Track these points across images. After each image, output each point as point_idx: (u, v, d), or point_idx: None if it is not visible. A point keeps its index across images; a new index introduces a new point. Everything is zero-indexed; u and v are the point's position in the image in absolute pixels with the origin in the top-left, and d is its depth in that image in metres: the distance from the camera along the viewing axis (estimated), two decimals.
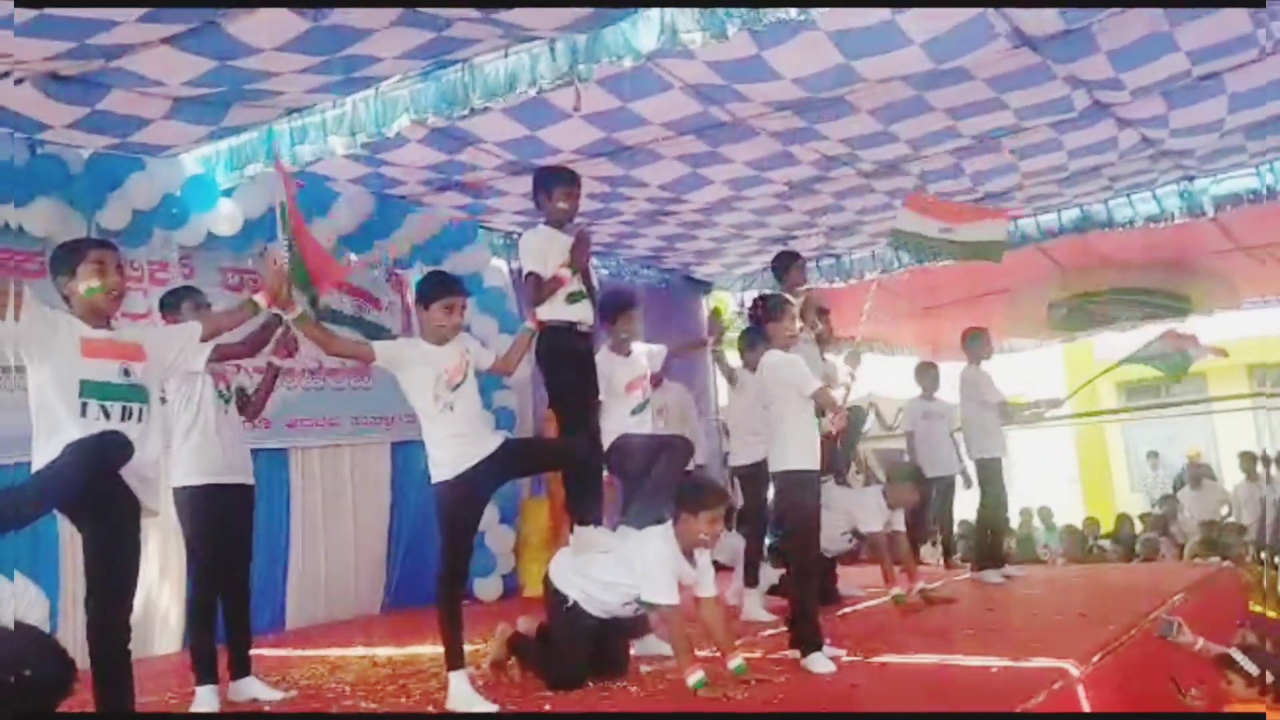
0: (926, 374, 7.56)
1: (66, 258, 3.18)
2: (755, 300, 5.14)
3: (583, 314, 4.57)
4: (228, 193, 6.02)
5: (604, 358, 4.80)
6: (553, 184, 4.60)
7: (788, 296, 5.00)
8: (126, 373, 3.13)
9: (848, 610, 5.73)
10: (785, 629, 4.56)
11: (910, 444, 7.44)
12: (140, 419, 3.11)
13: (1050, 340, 11.90)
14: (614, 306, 4.85)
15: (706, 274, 10.11)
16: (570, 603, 4.05)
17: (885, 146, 6.51)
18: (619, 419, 4.76)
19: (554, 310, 4.46)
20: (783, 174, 6.94)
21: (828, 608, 5.32)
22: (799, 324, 4.78)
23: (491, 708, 3.71)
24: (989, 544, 6.88)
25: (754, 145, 6.32)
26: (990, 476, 6.80)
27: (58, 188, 5.34)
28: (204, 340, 3.45)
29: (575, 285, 4.51)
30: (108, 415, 3.04)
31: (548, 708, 3.76)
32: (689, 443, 4.97)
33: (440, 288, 3.96)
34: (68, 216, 5.38)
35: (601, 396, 4.71)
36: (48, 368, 3.04)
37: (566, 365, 4.55)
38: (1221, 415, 13.65)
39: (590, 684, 4.00)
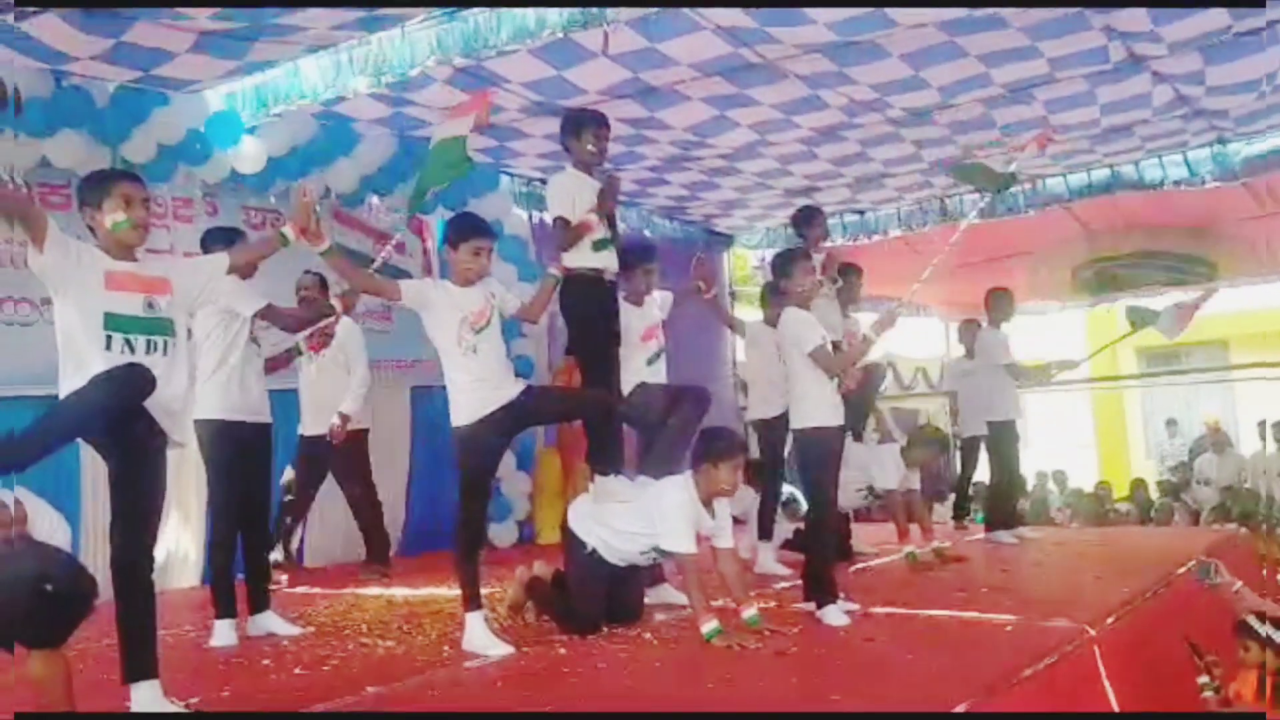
0: (969, 333, 7.46)
1: (94, 189, 3.16)
2: (776, 255, 5.08)
3: (608, 262, 4.50)
4: (251, 130, 5.98)
5: (619, 307, 4.77)
6: (582, 126, 4.52)
7: (806, 250, 4.94)
8: (151, 305, 3.11)
9: (861, 566, 5.74)
10: (799, 582, 4.56)
11: (953, 404, 7.37)
12: (166, 352, 3.10)
13: (1074, 303, 11.78)
14: (634, 257, 4.80)
15: (729, 227, 10.02)
16: (589, 550, 4.06)
17: (916, 93, 6.41)
18: (635, 369, 4.74)
19: (580, 257, 4.40)
20: (810, 119, 6.83)
21: (842, 563, 5.33)
22: (818, 279, 4.72)
23: (507, 649, 3.75)
24: (1002, 505, 6.86)
25: (782, 88, 6.23)
26: (1003, 439, 6.75)
27: (83, 120, 5.32)
28: (231, 271, 3.43)
29: (602, 232, 4.44)
30: (132, 348, 3.03)
31: (562, 651, 3.78)
32: (707, 392, 4.95)
33: (469, 229, 3.93)
34: (92, 149, 5.38)
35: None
36: (71, 300, 3.04)
37: (591, 314, 4.50)
38: (1241, 384, 13.55)
39: (605, 629, 4.03)
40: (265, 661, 3.89)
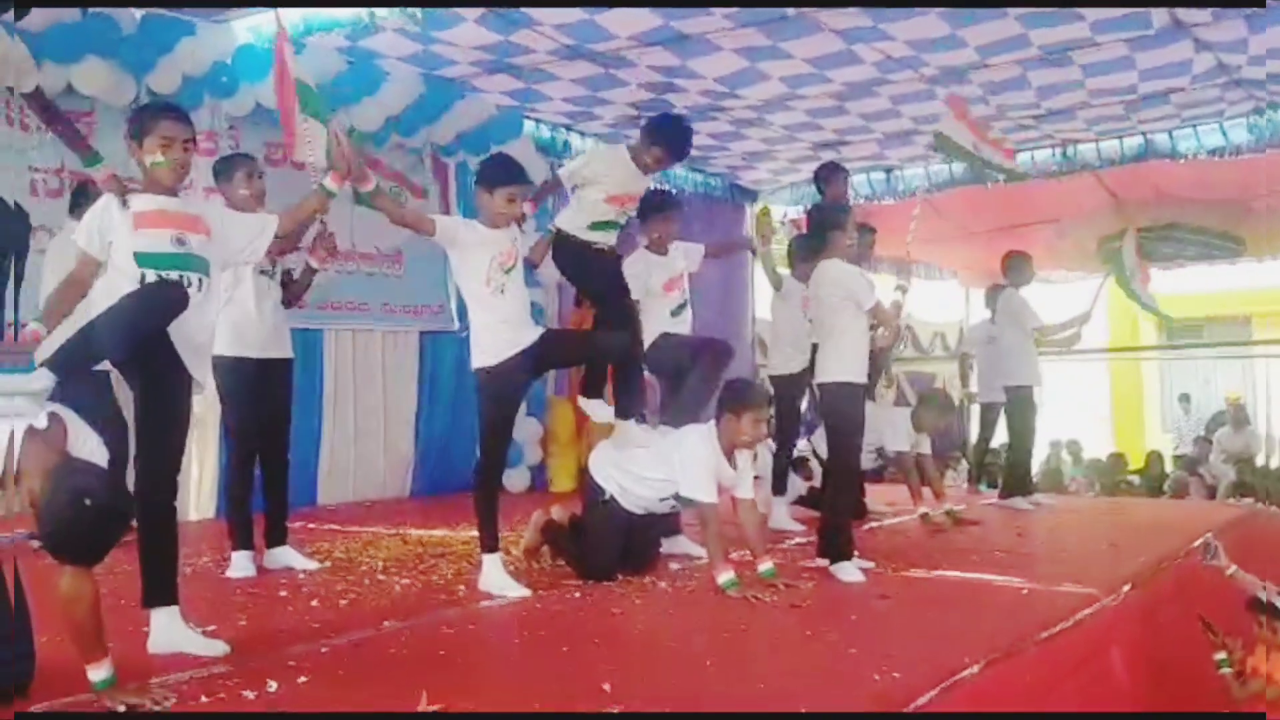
0: (996, 298, 7.34)
1: (138, 124, 3.15)
2: (813, 209, 5.02)
3: (604, 239, 4.51)
4: None
5: (640, 258, 4.75)
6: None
7: (849, 206, 4.91)
8: (180, 241, 3.08)
9: (874, 525, 5.74)
10: (814, 538, 4.57)
11: (962, 367, 7.30)
12: (200, 288, 3.09)
13: (1095, 274, 11.64)
14: (652, 207, 4.75)
15: (753, 180, 9.91)
16: (607, 496, 4.07)
17: (952, 51, 6.29)
18: (659, 319, 4.73)
19: (574, 227, 4.44)
20: (842, 74, 6.71)
21: (856, 522, 5.32)
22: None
23: (524, 591, 3.77)
24: (1019, 471, 6.83)
25: (816, 41, 6.11)
26: (1023, 404, 6.70)
27: (108, 48, 5.26)
28: (280, 235, 3.39)
29: (611, 218, 4.46)
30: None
31: (577, 596, 3.80)
32: (730, 345, 4.92)
33: (507, 175, 3.88)
34: (118, 77, 5.33)
35: (639, 297, 4.66)
36: (112, 254, 3.05)
37: (585, 273, 4.60)
38: (1262, 360, 13.44)
39: (620, 577, 4.05)
40: (282, 593, 3.91)
